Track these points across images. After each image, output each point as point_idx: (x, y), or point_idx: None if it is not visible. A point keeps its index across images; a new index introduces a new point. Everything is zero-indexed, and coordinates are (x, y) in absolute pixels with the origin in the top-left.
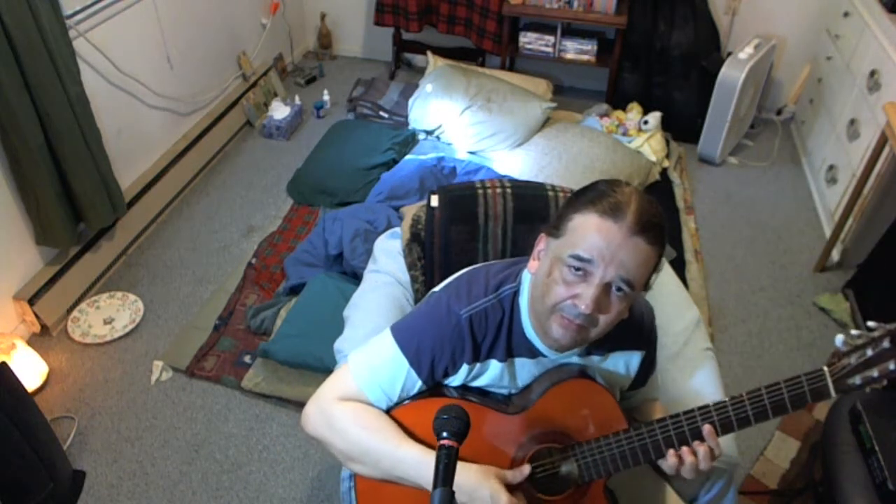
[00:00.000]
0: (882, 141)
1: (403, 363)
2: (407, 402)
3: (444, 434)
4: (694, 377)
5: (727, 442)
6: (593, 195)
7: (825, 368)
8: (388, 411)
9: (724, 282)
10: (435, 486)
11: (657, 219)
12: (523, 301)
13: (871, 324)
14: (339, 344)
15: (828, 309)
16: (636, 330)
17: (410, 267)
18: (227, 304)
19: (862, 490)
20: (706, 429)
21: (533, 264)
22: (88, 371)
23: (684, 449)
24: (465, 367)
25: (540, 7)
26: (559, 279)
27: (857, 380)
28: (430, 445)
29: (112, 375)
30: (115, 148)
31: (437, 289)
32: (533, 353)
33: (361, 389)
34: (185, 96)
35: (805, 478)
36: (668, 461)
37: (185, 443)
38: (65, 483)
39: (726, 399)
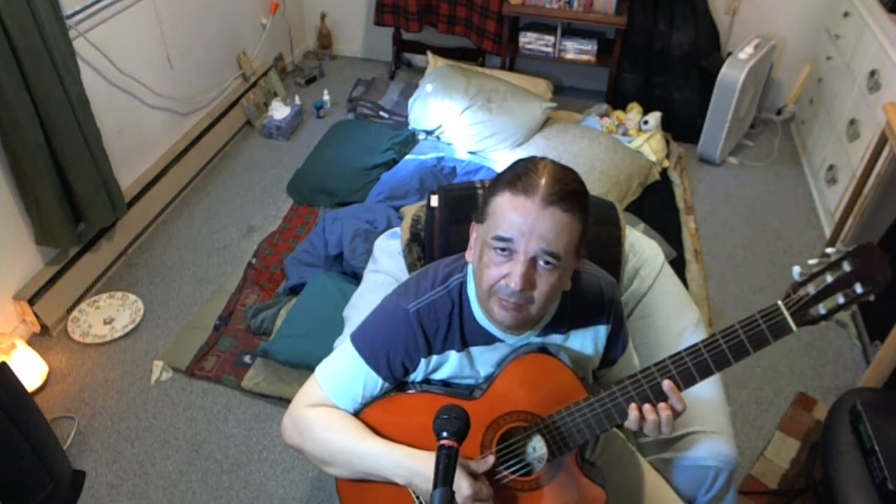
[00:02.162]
0: (882, 141)
1: (362, 364)
2: (373, 402)
3: (444, 434)
4: None
5: (728, 441)
6: (509, 176)
7: (779, 302)
8: (357, 414)
9: (724, 282)
10: (435, 486)
11: (572, 186)
12: (471, 289)
13: (828, 249)
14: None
15: None
16: (596, 303)
17: (410, 267)
18: (227, 304)
19: (862, 490)
20: (666, 384)
21: (469, 253)
22: (88, 371)
23: (646, 407)
24: (422, 361)
25: (540, 7)
26: (489, 262)
27: (820, 309)
28: (398, 441)
29: (112, 375)
30: (115, 148)
31: (390, 291)
32: (489, 339)
33: (328, 395)
34: (185, 96)
35: (805, 478)
36: (630, 415)
37: (185, 443)
38: (65, 483)
39: (682, 351)
